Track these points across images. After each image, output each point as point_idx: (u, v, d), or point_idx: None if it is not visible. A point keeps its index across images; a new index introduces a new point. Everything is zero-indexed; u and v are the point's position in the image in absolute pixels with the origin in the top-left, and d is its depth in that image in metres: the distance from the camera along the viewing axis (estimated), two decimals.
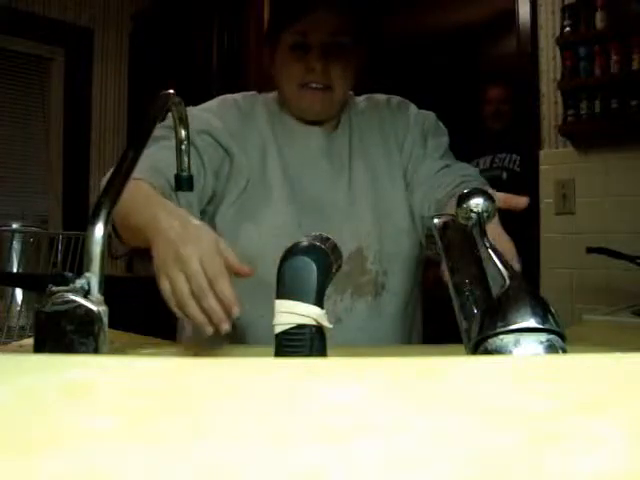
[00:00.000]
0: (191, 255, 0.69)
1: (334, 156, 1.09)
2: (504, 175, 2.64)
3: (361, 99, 1.18)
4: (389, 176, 1.09)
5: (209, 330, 0.68)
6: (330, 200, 1.06)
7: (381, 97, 1.19)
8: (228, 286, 0.68)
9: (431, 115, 1.16)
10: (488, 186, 1.04)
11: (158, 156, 0.90)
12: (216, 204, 1.03)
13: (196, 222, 0.76)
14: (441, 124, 1.15)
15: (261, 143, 1.06)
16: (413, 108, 1.16)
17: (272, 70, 1.09)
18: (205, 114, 1.03)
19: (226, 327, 0.68)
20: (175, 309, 0.70)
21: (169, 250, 0.71)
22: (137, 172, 0.75)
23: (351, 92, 1.13)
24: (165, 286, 0.70)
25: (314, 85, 1.03)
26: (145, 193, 0.83)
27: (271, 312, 0.53)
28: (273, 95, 1.13)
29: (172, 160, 0.82)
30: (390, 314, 1.06)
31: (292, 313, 0.48)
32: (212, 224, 1.02)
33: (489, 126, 2.81)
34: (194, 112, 0.97)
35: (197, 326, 0.70)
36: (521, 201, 0.82)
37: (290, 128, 1.09)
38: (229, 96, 1.11)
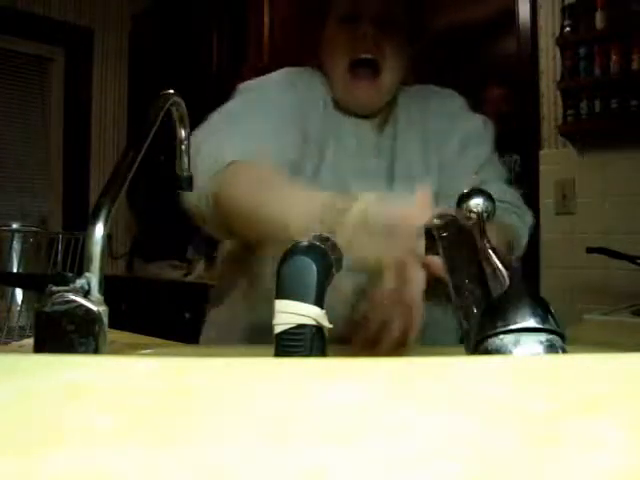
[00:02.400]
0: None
1: (380, 158, 1.02)
2: None
3: (411, 90, 1.09)
4: (426, 179, 0.99)
5: None
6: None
7: (432, 89, 1.11)
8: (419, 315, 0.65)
9: (479, 119, 1.07)
10: (529, 216, 0.98)
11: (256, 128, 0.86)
12: None
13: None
14: (490, 129, 1.07)
15: (319, 138, 0.98)
16: (462, 106, 1.08)
17: (317, 56, 1.03)
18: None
19: None
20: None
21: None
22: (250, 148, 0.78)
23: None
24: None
25: (364, 56, 0.95)
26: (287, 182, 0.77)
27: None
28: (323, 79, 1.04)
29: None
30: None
31: (292, 313, 0.48)
32: None
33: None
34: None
35: None
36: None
37: (339, 120, 1.01)
38: (281, 79, 1.02)
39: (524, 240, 0.98)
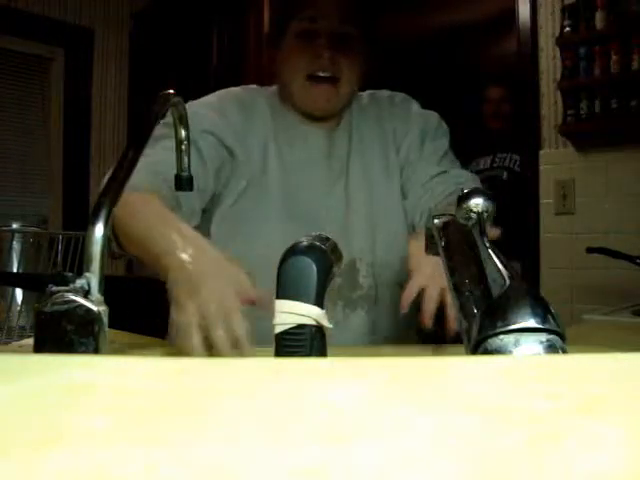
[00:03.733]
0: (208, 289, 0.69)
1: (333, 157, 1.07)
2: (504, 175, 2.64)
3: (364, 95, 1.16)
4: (385, 179, 1.08)
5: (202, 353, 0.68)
6: (325, 209, 1.04)
7: (384, 94, 1.17)
8: (240, 322, 0.68)
9: (433, 115, 1.14)
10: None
11: (160, 158, 0.88)
12: (214, 205, 1.02)
13: (214, 252, 0.76)
14: (444, 124, 1.13)
15: (262, 141, 1.04)
16: (415, 107, 1.14)
17: (275, 64, 1.07)
18: (207, 111, 1.00)
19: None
20: (178, 339, 0.69)
21: (185, 282, 0.70)
22: (141, 178, 0.75)
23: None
24: (176, 316, 0.70)
25: (321, 74, 1.00)
26: (157, 211, 0.83)
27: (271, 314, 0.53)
28: (274, 89, 1.10)
29: (174, 162, 0.81)
30: (384, 328, 1.04)
31: (292, 313, 0.48)
32: (208, 226, 1.01)
33: (489, 126, 2.81)
34: (194, 109, 0.92)
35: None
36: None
37: (291, 125, 1.06)
38: (230, 90, 1.08)
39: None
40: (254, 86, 1.13)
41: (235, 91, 1.09)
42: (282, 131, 1.06)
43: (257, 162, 1.03)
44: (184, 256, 0.73)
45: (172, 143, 0.81)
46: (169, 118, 0.83)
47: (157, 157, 0.88)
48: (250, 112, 1.06)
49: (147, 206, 0.83)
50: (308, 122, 1.07)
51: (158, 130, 0.85)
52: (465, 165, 2.94)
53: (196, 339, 0.68)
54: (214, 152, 0.99)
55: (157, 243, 0.77)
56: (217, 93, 1.08)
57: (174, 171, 0.81)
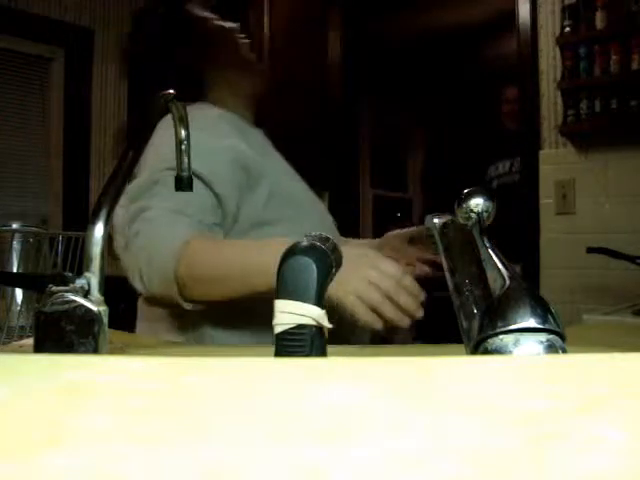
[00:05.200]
0: (374, 263, 0.75)
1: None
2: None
3: None
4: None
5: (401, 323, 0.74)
6: (309, 198, 1.11)
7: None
8: (413, 280, 0.76)
9: None
10: None
11: (181, 198, 0.88)
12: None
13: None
14: None
15: (255, 151, 1.04)
16: None
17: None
18: (221, 140, 0.98)
19: (420, 314, 0.76)
20: (368, 316, 0.74)
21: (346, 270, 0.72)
22: (182, 230, 0.85)
23: None
24: (353, 301, 0.74)
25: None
26: (228, 243, 0.90)
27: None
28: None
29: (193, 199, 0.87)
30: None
31: (292, 313, 0.48)
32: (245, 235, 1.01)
33: (506, 126, 2.79)
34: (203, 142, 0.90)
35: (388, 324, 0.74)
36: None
37: (254, 134, 1.10)
38: (207, 113, 1.04)
39: None
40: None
41: (211, 112, 1.06)
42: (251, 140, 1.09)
43: (264, 167, 1.03)
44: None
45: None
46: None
47: (176, 199, 0.87)
48: (235, 126, 1.06)
49: (213, 244, 0.87)
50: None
51: (157, 174, 0.90)
52: (484, 170, 2.92)
53: (388, 306, 0.73)
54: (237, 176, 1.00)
55: (259, 262, 0.79)
56: (196, 120, 1.05)
57: (200, 209, 0.88)
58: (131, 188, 0.89)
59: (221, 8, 1.14)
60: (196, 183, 0.88)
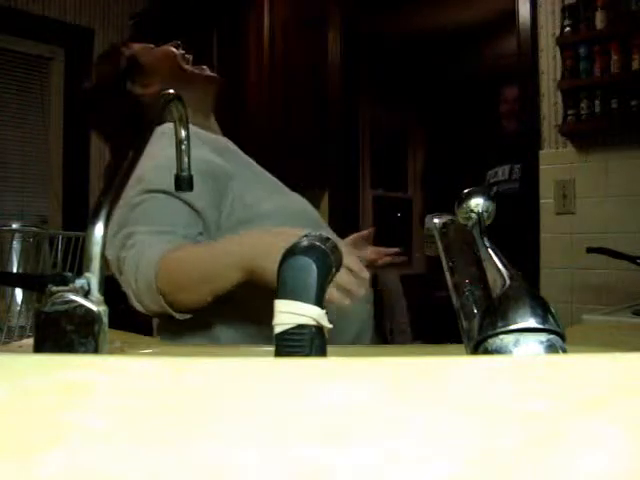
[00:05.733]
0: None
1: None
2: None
3: None
4: None
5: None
6: (285, 190, 1.16)
7: None
8: (355, 259, 0.77)
9: None
10: None
11: (165, 221, 0.94)
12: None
13: (285, 228, 0.85)
14: None
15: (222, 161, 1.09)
16: None
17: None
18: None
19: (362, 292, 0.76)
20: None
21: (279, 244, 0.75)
22: (160, 247, 0.88)
23: None
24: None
25: None
26: (200, 246, 0.92)
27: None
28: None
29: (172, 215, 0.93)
30: None
31: (292, 313, 0.48)
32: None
33: (505, 128, 2.75)
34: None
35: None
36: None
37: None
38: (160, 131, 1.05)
39: None
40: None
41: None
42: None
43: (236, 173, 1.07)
44: (266, 239, 0.81)
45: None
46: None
47: (158, 220, 0.93)
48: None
49: (183, 251, 0.89)
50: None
51: (135, 198, 0.94)
52: (482, 177, 2.86)
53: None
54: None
55: (227, 260, 0.83)
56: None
57: (182, 225, 0.92)
58: (116, 215, 0.91)
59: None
60: (175, 201, 0.93)
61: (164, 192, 0.93)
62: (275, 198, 1.10)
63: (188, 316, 0.89)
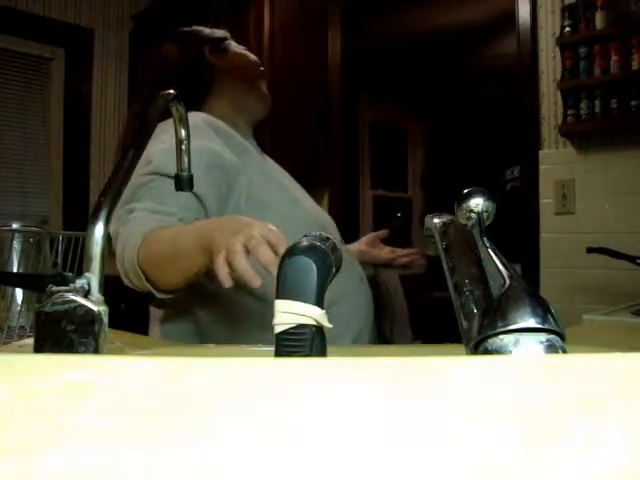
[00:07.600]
0: (251, 226, 0.75)
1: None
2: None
3: None
4: None
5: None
6: (291, 198, 1.16)
7: None
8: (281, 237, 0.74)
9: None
10: None
11: (159, 200, 0.96)
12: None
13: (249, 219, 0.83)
14: None
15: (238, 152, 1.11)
16: None
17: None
18: (203, 142, 1.04)
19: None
20: (222, 265, 0.73)
21: (229, 229, 0.76)
22: (147, 226, 0.89)
23: None
24: (221, 252, 0.74)
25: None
26: (175, 228, 0.91)
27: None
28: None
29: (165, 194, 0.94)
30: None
31: (292, 313, 0.48)
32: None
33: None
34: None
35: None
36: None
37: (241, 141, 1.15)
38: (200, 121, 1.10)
39: None
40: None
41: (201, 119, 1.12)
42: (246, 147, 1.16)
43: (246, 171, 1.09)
44: (229, 224, 0.80)
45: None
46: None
47: (158, 200, 0.95)
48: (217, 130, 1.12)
49: (162, 230, 0.90)
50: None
51: (141, 177, 0.97)
52: (482, 177, 2.89)
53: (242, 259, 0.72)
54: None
55: (189, 242, 0.84)
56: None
57: (181, 208, 0.94)
58: (125, 191, 0.92)
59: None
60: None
61: (168, 176, 0.95)
62: (285, 203, 1.11)
63: (169, 296, 0.90)
